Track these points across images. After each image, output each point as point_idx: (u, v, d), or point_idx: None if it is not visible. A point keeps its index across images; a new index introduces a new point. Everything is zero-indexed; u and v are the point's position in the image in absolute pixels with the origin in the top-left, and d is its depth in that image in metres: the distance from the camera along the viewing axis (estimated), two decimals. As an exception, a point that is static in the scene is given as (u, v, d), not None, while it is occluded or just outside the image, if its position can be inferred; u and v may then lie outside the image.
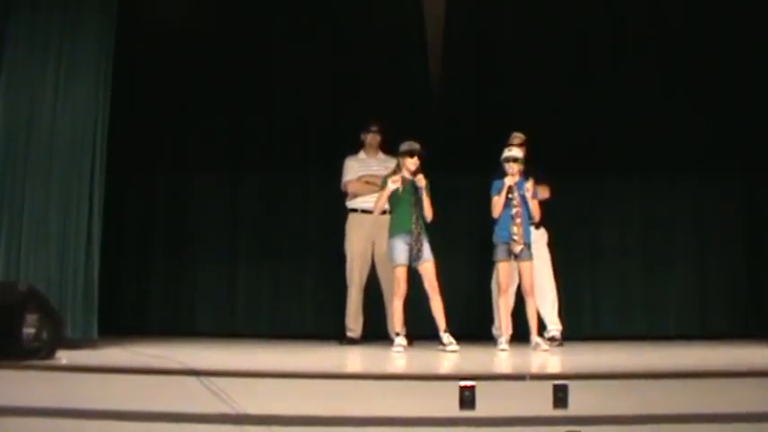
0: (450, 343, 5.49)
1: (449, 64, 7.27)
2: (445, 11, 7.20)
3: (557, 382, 3.66)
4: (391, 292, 5.98)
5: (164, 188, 7.35)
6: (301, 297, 7.16)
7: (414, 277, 5.76)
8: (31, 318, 4.28)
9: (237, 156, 7.29)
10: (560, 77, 7.10)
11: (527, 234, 5.71)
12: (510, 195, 5.67)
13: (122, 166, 6.44)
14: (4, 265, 5.18)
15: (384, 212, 6.11)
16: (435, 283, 5.64)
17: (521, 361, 5.02)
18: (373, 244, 6.34)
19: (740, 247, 7.11)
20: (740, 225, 7.15)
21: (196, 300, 7.16)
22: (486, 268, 6.38)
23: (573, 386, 3.64)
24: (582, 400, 3.63)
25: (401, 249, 5.64)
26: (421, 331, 5.98)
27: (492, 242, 6.19)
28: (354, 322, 6.30)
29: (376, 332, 6.29)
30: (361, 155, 6.54)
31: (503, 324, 5.71)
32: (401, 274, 5.65)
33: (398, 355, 5.30)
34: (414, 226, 5.63)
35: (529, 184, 5.68)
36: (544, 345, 5.59)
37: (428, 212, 5.71)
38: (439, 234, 6.01)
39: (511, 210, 5.65)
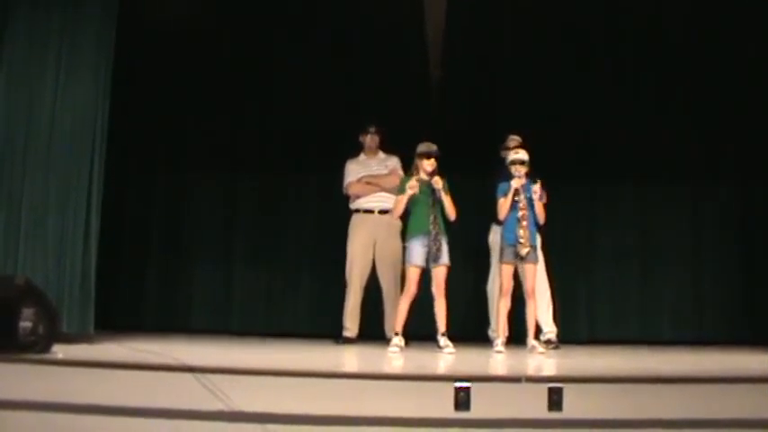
0: (447, 346, 5.48)
1: (449, 65, 7.29)
2: (446, 12, 7.22)
3: (552, 384, 3.66)
4: (391, 292, 5.97)
5: (162, 187, 7.36)
6: (297, 296, 7.17)
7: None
8: (28, 312, 4.28)
9: (235, 155, 7.30)
10: (559, 80, 7.11)
11: (533, 237, 5.71)
12: (516, 198, 5.66)
13: (121, 165, 6.43)
14: (1, 259, 5.18)
15: (384, 212, 6.12)
16: (443, 287, 5.60)
17: (516, 363, 5.02)
18: (374, 244, 6.34)
19: (735, 252, 7.13)
20: (735, 230, 7.16)
21: (193, 298, 7.17)
22: (481, 270, 6.39)
23: (568, 389, 3.65)
24: (577, 403, 3.63)
25: (418, 251, 5.58)
26: (417, 332, 5.97)
27: (487, 244, 6.23)
28: (351, 321, 6.30)
29: (372, 332, 6.29)
30: (361, 157, 6.55)
31: (500, 326, 5.69)
32: (414, 275, 5.59)
33: (394, 356, 5.29)
34: (431, 227, 5.58)
35: (536, 187, 5.65)
36: (540, 347, 5.60)
37: (450, 212, 5.66)
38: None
39: (517, 212, 5.64)
